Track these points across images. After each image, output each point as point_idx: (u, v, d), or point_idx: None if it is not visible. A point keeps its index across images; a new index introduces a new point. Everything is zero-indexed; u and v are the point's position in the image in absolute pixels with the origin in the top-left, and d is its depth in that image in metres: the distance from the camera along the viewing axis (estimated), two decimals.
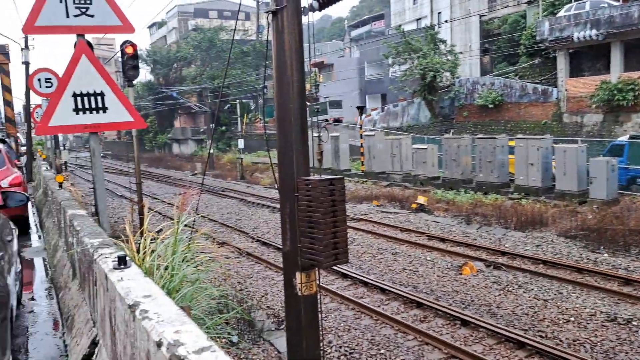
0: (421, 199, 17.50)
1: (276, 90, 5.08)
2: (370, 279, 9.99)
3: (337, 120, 36.68)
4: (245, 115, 44.14)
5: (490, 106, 28.24)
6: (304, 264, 4.90)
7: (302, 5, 5.03)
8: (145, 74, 61.60)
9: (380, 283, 9.74)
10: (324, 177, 4.89)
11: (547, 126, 25.70)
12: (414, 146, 24.14)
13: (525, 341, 7.02)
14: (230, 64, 44.70)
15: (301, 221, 4.91)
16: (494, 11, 37.75)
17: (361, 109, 29.40)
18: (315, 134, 5.55)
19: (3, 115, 27.41)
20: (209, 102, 45.58)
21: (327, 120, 36.02)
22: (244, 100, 47.03)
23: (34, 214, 13.27)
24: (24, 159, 21.77)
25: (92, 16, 4.93)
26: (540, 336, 7.45)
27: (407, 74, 30.79)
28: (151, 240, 4.54)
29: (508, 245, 12.38)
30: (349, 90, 42.53)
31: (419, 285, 9.87)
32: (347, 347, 7.23)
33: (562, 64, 25.85)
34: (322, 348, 4.91)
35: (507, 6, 33.39)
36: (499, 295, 9.18)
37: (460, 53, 31.96)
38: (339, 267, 10.23)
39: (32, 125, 21.61)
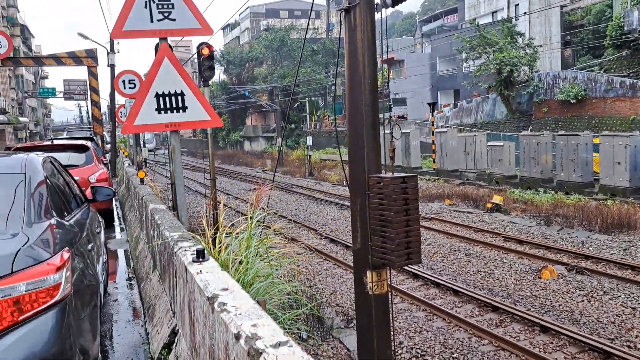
0: (497, 199, 16.89)
1: (348, 87, 5.07)
2: (442, 280, 9.77)
3: (401, 118, 36.31)
4: (314, 112, 44.71)
5: (573, 101, 26.73)
6: (375, 263, 4.87)
7: (375, 1, 4.99)
8: (219, 74, 63.86)
9: (454, 285, 9.50)
10: (396, 174, 4.84)
11: (636, 122, 23.92)
12: (489, 143, 23.38)
13: (611, 351, 6.58)
14: (301, 62, 45.35)
15: (372, 219, 4.88)
16: (577, 1, 35.63)
17: (433, 106, 28.81)
18: (387, 131, 5.47)
19: (91, 115, 29.30)
20: (279, 101, 46.49)
21: (399, 116, 35.71)
22: (313, 98, 47.58)
23: (117, 207, 14.14)
24: (108, 156, 23.15)
25: (174, 20, 5.17)
26: (629, 346, 6.96)
27: (482, 69, 29.81)
28: (226, 234, 4.69)
29: (592, 249, 11.66)
30: (420, 86, 41.83)
31: (494, 288, 9.53)
32: (419, 349, 7.11)
33: None
34: (393, 349, 4.86)
35: None
36: (582, 301, 8.67)
37: (540, 46, 30.49)
38: (410, 267, 10.10)
39: (117, 124, 22.98)
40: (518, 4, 36.98)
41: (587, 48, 31.34)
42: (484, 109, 33.19)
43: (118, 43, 24.42)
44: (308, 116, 36.93)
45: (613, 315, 8.02)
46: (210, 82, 10.77)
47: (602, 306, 8.39)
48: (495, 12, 39.02)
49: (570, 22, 34.42)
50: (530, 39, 30.37)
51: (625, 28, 24.71)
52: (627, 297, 8.67)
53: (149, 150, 39.21)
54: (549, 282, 9.57)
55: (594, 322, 7.84)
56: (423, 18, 65.66)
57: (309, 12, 5.48)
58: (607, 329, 7.57)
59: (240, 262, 4.15)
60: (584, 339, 6.98)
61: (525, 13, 33.29)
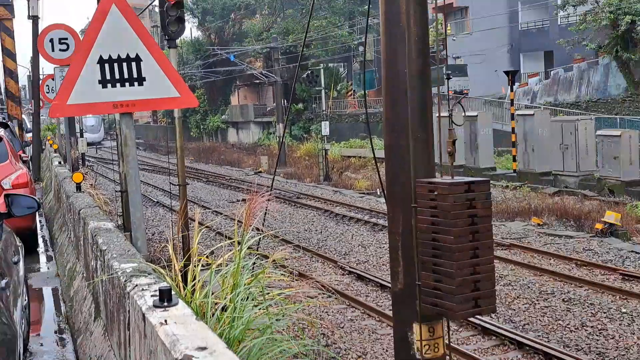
0: (611, 216, 16.75)
1: (384, 48, 5.09)
2: (528, 339, 9.72)
3: (462, 95, 36.05)
4: (333, 86, 44.74)
5: None
6: (425, 312, 4.87)
7: None
8: (190, 30, 64.27)
9: (545, 346, 9.45)
10: (457, 179, 4.84)
11: None
12: (599, 132, 23.18)
13: None
14: (313, 11, 45.45)
15: (422, 246, 4.88)
16: None
17: (512, 76, 28.65)
18: (444, 114, 5.47)
19: (3, 90, 29.49)
20: (280, 69, 46.57)
21: (459, 92, 35.50)
22: (331, 65, 47.61)
23: (42, 225, 14.31)
24: (29, 150, 23.41)
25: None
26: None
27: (588, 20, 29.62)
28: (202, 267, 4.74)
29: None
30: (493, 46, 41.62)
31: (607, 351, 9.47)
32: None
33: None
34: None
35: None
36: None
37: None
38: (478, 318, 10.07)
39: (41, 102, 23.21)
40: None
41: None
42: (591, 80, 32.98)
43: None
44: (324, 91, 36.96)
45: None
46: (178, 41, 10.88)
47: None
48: None
49: None
50: None
51: None
52: None
53: (90, 144, 39.58)
54: None
55: None
56: None
57: None
58: None
59: (224, 309, 4.18)
60: None
61: None
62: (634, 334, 10.05)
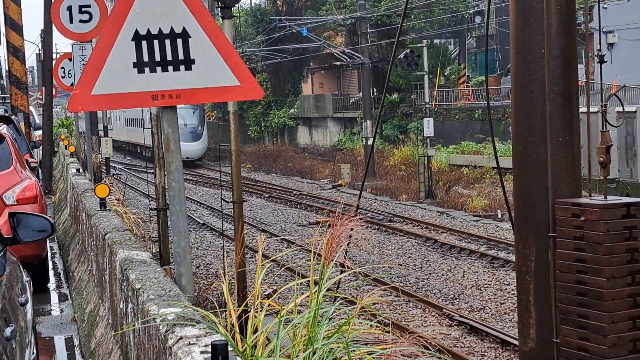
0: None
1: (513, 19, 5.03)
2: None
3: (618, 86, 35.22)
4: (440, 70, 44.42)
5: None
6: None
7: None
8: None
9: None
10: (612, 199, 4.73)
11: None
12: None
13: None
14: None
15: (562, 291, 4.78)
16: None
17: None
18: (594, 109, 5.35)
19: (6, 73, 29.70)
20: (369, 46, 46.51)
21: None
22: (437, 41, 47.26)
23: (53, 252, 14.49)
24: (39, 153, 23.55)
25: None
26: None
27: None
28: (266, 314, 4.73)
29: None
30: None
31: None
32: None
33: None
34: None
35: None
36: None
37: None
38: None
39: (54, 90, 23.56)
40: None
41: None
42: None
43: None
44: (427, 77, 36.75)
45: None
46: (234, 9, 10.96)
47: None
48: None
49: None
50: None
51: None
52: None
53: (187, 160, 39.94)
54: None
55: None
56: None
57: None
58: None
59: None
60: None
61: None
62: None
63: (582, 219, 4.61)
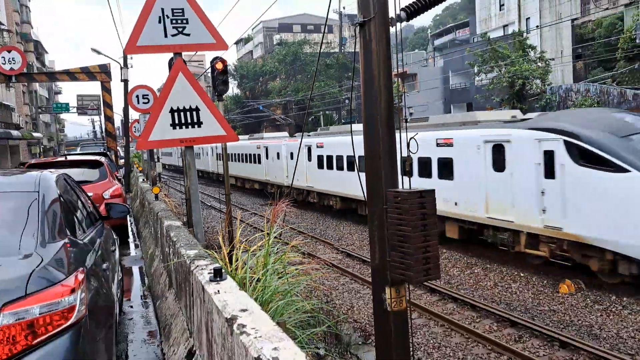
0: None
1: (364, 101, 4.98)
2: (459, 295, 9.56)
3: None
4: (329, 126, 44.58)
5: None
6: (393, 279, 4.73)
7: (390, 16, 4.92)
8: (232, 88, 64.15)
9: (471, 299, 9.28)
10: (414, 189, 4.73)
11: None
12: None
13: None
14: (315, 76, 45.48)
15: (391, 235, 4.77)
16: (588, 15, 35.43)
17: None
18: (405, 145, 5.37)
19: (104, 130, 29.28)
20: (294, 114, 46.40)
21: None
22: (327, 112, 47.51)
23: (131, 223, 14.07)
24: (122, 171, 23.12)
25: (188, 35, 5.13)
26: None
27: (495, 82, 29.62)
28: (243, 251, 4.59)
29: None
30: (433, 100, 41.66)
31: (512, 302, 9.29)
32: None
33: None
34: None
35: (607, 8, 31.18)
36: (601, 315, 8.44)
37: (552, 59, 30.25)
38: (428, 282, 9.90)
39: (130, 138, 22.98)
40: (529, 18, 36.80)
41: (599, 61, 31.05)
42: None
43: (131, 58, 24.41)
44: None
45: (633, 330, 7.79)
46: (224, 96, 10.72)
47: (621, 321, 8.17)
48: (507, 25, 38.87)
49: (581, 35, 34.20)
50: (542, 52, 30.13)
51: (637, 40, 24.49)
52: None
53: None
54: (567, 297, 9.33)
55: (613, 337, 7.63)
56: (435, 32, 65.69)
57: (323, 26, 5.43)
58: (627, 343, 7.37)
59: (258, 280, 4.04)
60: (604, 355, 6.80)
61: (537, 27, 33.10)
62: (529, 290, 9.88)
63: (399, 199, 4.57)
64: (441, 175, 13.01)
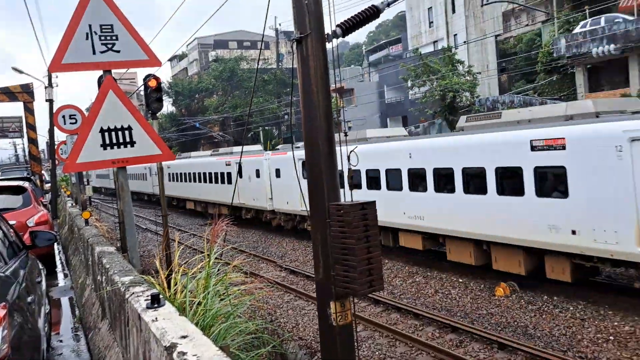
0: None
1: (303, 115, 4.97)
2: (403, 305, 9.68)
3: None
4: (269, 142, 44.36)
5: None
6: (338, 293, 4.71)
7: (326, 32, 4.97)
8: (167, 106, 62.64)
9: (414, 308, 9.43)
10: (355, 201, 4.74)
11: None
12: None
13: None
14: (253, 92, 45.28)
15: (334, 248, 4.75)
16: (509, 31, 37.69)
17: None
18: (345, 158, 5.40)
19: (27, 153, 27.70)
20: (232, 131, 45.87)
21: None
22: (266, 128, 47.36)
23: (59, 251, 13.28)
24: (48, 196, 21.88)
25: (118, 52, 4.93)
26: (580, 357, 7.15)
27: (427, 96, 30.71)
28: (182, 274, 4.41)
29: None
30: (370, 114, 42.56)
31: (452, 308, 9.52)
32: None
33: (580, 79, 25.71)
34: None
35: (526, 25, 33.26)
36: (535, 315, 8.83)
37: (479, 73, 31.80)
38: (372, 294, 9.96)
39: (57, 161, 21.85)
40: (457, 34, 38.59)
41: (522, 74, 32.99)
42: (431, 133, 34.00)
43: (57, 77, 23.11)
44: (262, 145, 36.65)
45: (564, 328, 8.20)
46: (158, 114, 10.42)
47: (553, 319, 8.58)
48: (436, 41, 40.52)
49: (504, 50, 36.27)
50: (469, 67, 31.63)
51: (555, 54, 26.29)
52: (576, 309, 8.90)
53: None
54: (503, 299, 9.69)
55: (547, 335, 7.99)
56: (369, 48, 67.38)
57: (260, 42, 5.40)
58: (560, 341, 7.73)
59: (199, 304, 3.88)
60: (539, 353, 7.09)
61: (464, 42, 34.76)
62: (467, 295, 10.18)
63: (342, 212, 4.57)
64: (541, 193, 9.17)
